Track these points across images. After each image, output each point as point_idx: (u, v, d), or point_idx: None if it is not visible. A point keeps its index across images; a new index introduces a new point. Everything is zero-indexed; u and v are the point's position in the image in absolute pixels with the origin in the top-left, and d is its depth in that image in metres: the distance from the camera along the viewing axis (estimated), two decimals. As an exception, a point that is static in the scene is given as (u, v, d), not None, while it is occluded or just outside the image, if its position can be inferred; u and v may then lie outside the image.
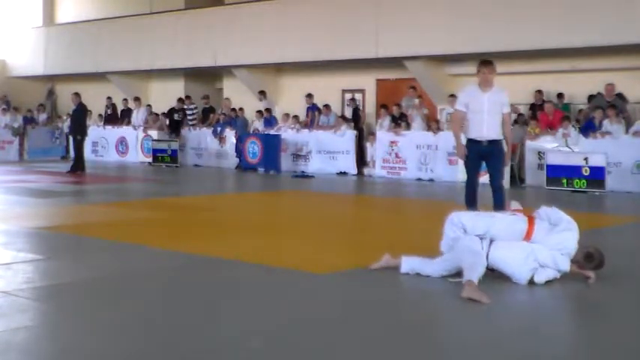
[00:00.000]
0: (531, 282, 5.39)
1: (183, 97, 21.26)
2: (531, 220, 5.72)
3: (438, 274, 5.59)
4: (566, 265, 5.46)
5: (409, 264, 5.72)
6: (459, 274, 5.37)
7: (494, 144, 7.80)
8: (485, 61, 7.86)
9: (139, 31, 22.88)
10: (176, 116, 19.77)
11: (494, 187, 7.78)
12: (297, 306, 4.90)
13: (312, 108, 18.26)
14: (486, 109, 7.71)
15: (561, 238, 5.51)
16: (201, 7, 21.87)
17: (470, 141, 7.89)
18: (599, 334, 4.42)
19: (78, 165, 16.47)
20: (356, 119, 17.78)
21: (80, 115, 16.80)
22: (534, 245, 5.50)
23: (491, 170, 7.91)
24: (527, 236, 5.64)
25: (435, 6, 16.87)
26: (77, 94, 16.97)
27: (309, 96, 18.44)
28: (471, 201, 7.85)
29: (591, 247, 5.64)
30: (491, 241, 5.52)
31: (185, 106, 20.36)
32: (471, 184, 7.94)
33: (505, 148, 7.96)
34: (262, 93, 19.64)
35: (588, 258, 5.55)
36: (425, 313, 4.83)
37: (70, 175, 15.84)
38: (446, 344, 4.19)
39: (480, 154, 7.85)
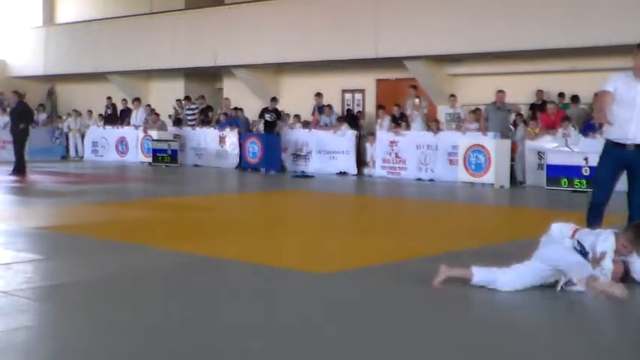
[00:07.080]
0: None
1: (182, 97, 21.31)
2: None
3: (516, 286, 5.00)
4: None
5: (481, 275, 5.12)
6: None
7: None
8: None
9: (139, 31, 22.88)
10: (268, 117, 17.77)
11: (636, 205, 6.17)
12: (296, 306, 4.89)
13: (321, 108, 18.14)
14: (639, 104, 6.02)
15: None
16: (201, 7, 21.87)
17: (608, 144, 6.22)
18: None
19: (22, 165, 15.36)
20: (350, 121, 17.61)
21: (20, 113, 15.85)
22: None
23: (636, 184, 6.26)
24: None
25: (435, 6, 16.87)
26: (16, 93, 16.37)
27: (319, 95, 18.34)
28: (593, 223, 6.07)
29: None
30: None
31: (187, 107, 20.40)
32: (598, 201, 6.23)
33: None
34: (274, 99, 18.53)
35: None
36: (428, 313, 4.81)
37: (16, 176, 14.78)
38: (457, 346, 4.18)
39: (620, 162, 6.15)
